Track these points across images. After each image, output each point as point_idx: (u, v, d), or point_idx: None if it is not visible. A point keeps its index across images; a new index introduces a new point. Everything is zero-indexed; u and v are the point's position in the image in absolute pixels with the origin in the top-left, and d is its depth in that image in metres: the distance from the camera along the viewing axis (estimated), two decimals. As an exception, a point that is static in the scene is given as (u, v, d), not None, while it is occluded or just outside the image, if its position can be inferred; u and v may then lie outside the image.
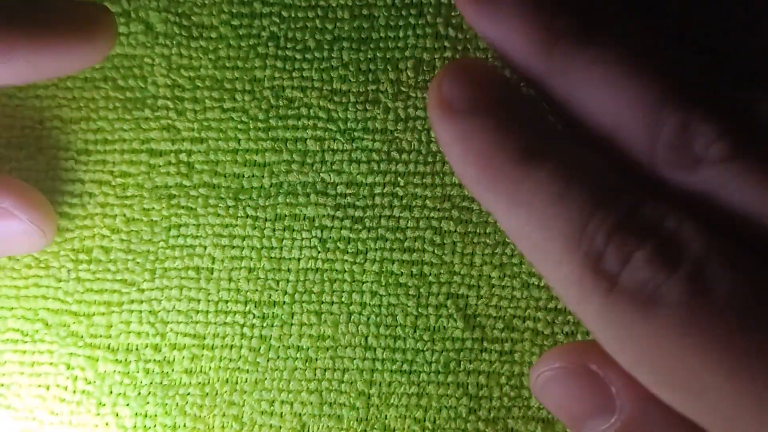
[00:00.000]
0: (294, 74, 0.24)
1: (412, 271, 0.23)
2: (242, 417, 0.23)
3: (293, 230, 0.23)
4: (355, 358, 0.23)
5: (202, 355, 0.23)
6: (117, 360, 0.23)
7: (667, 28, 0.16)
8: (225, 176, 0.23)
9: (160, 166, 0.23)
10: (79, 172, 0.24)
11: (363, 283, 0.23)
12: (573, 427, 0.16)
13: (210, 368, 0.23)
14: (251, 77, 0.24)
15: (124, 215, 0.23)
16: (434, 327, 0.23)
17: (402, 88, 0.23)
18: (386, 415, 0.23)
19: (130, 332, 0.23)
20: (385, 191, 0.23)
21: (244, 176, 0.23)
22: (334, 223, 0.23)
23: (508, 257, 0.23)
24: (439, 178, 0.23)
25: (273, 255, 0.23)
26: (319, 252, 0.23)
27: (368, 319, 0.23)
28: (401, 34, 0.24)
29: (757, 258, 0.13)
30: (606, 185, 0.14)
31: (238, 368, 0.23)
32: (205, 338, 0.23)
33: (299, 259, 0.23)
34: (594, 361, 0.16)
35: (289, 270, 0.23)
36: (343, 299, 0.23)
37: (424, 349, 0.23)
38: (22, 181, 0.19)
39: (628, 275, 0.13)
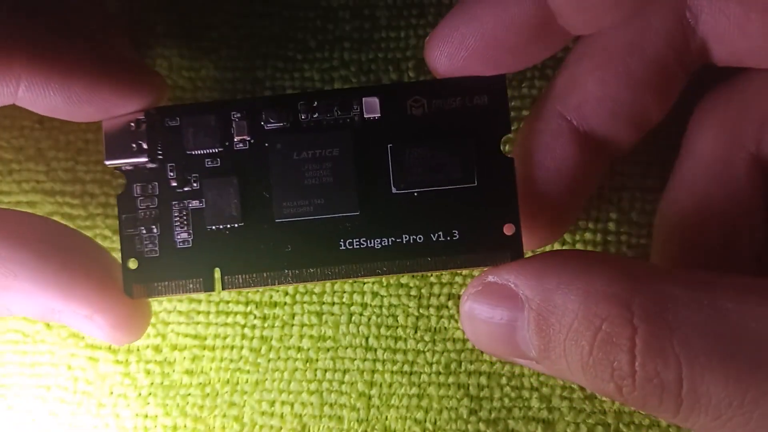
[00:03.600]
0: (295, 74, 0.24)
1: (413, 272, 0.23)
2: (243, 417, 0.23)
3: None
4: (355, 359, 0.23)
5: (203, 356, 0.23)
6: (117, 361, 0.23)
7: None
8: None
9: (160, 166, 0.23)
10: (80, 172, 0.24)
11: (364, 283, 0.23)
12: (507, 345, 0.17)
13: (211, 369, 0.23)
14: (252, 77, 0.24)
15: (125, 216, 0.23)
16: (435, 328, 0.23)
17: (403, 88, 0.23)
18: (387, 416, 0.23)
19: (130, 333, 0.23)
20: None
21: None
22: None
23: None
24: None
25: (274, 256, 0.23)
26: (320, 253, 0.23)
27: (369, 319, 0.23)
28: (402, 35, 0.24)
29: None
30: None
31: (239, 369, 0.23)
32: (205, 339, 0.23)
33: (300, 260, 0.23)
34: (489, 273, 0.17)
35: (290, 271, 0.23)
36: (344, 300, 0.23)
37: (425, 349, 0.23)
38: (112, 280, 0.19)
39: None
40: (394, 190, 0.19)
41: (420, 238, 0.19)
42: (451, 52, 0.18)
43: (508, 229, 0.19)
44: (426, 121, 0.19)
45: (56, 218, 0.23)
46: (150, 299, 0.20)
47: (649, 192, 0.23)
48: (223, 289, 0.19)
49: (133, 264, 0.19)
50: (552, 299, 0.16)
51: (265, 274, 0.19)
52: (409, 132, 0.19)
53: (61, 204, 0.23)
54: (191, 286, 0.19)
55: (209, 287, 0.19)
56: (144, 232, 0.19)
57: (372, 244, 0.19)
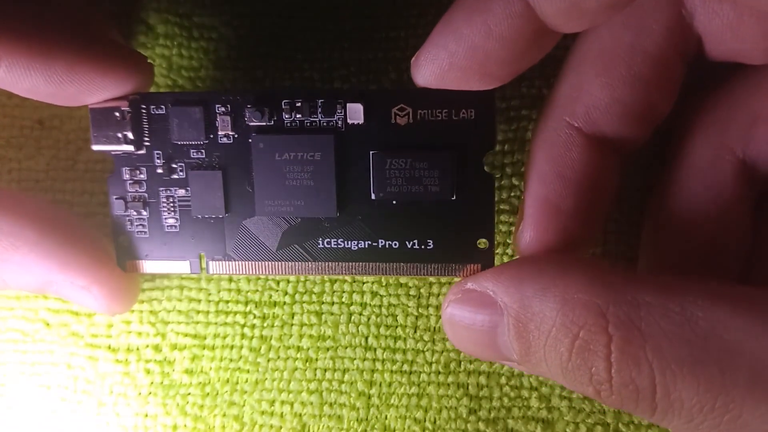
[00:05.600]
0: (295, 74, 0.24)
1: (412, 272, 0.23)
2: (242, 417, 0.23)
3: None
4: (355, 359, 0.23)
5: (203, 356, 0.23)
6: (117, 360, 0.23)
7: None
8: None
9: (160, 166, 0.23)
10: (79, 171, 0.24)
11: (363, 283, 0.23)
12: (488, 349, 0.18)
13: (210, 368, 0.23)
14: (252, 77, 0.24)
15: (125, 215, 0.23)
16: (434, 327, 0.23)
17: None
18: (386, 416, 0.23)
19: (130, 332, 0.23)
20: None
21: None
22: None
23: (509, 257, 0.23)
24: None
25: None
26: (319, 252, 0.23)
27: (368, 319, 0.23)
28: (402, 35, 0.24)
29: None
30: None
31: (239, 368, 0.23)
32: (205, 338, 0.23)
33: (300, 260, 0.23)
34: (468, 281, 0.18)
35: (289, 270, 0.23)
36: (343, 299, 0.23)
37: (425, 349, 0.23)
38: (107, 255, 0.20)
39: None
40: (373, 197, 0.19)
41: (395, 244, 0.19)
42: (442, 73, 0.18)
43: (482, 244, 0.19)
44: (410, 130, 0.19)
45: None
46: (140, 274, 0.21)
47: (647, 191, 0.23)
48: (208, 272, 0.20)
49: (124, 241, 0.20)
50: (530, 306, 0.16)
51: (247, 263, 0.20)
52: (392, 141, 0.19)
53: (61, 203, 0.23)
54: (179, 266, 0.20)
55: (195, 269, 0.20)
56: (134, 214, 0.20)
57: (349, 245, 0.19)
